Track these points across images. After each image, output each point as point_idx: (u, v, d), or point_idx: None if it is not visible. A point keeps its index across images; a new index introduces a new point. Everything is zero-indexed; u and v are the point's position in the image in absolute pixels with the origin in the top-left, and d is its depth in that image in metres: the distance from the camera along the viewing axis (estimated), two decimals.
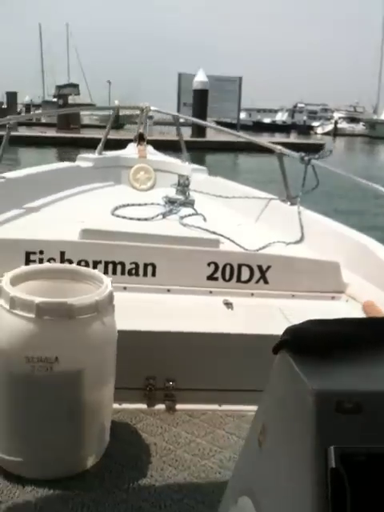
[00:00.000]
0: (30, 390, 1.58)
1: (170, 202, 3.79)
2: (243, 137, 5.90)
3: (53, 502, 1.58)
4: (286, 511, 0.83)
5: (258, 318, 2.36)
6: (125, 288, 2.45)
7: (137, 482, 1.68)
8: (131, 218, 3.37)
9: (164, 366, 2.09)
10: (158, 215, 3.51)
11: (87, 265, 2.43)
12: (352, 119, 62.29)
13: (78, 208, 3.66)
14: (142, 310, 2.31)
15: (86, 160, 4.73)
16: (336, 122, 58.70)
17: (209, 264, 2.58)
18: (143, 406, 2.08)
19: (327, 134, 56.06)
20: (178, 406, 2.10)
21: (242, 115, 60.67)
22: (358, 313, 2.35)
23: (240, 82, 29.49)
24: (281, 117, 65.48)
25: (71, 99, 33.98)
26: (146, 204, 3.77)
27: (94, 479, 1.68)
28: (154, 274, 2.55)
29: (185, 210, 3.69)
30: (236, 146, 20.90)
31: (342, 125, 59.66)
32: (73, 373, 1.58)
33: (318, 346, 0.88)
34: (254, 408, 0.98)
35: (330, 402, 0.77)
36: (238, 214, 3.86)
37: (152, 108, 4.93)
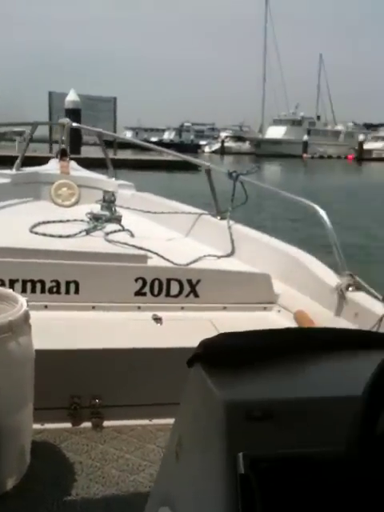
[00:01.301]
0: None
1: (95, 218, 3.80)
2: (172, 154, 5.81)
3: None
4: None
5: (189, 331, 2.43)
6: (45, 306, 2.49)
7: (61, 501, 1.73)
8: (52, 235, 3.33)
9: (89, 384, 2.14)
10: (81, 232, 3.50)
11: (3, 284, 2.44)
12: (239, 138, 65.93)
13: None
14: (65, 328, 2.35)
15: (1, 176, 4.62)
16: (223, 141, 61.79)
17: (136, 280, 2.64)
18: (68, 425, 2.12)
19: (215, 152, 58.78)
20: (106, 423, 2.14)
21: (129, 134, 61.77)
22: (289, 322, 2.53)
23: (115, 101, 30.13)
24: (168, 136, 67.35)
25: None
26: (68, 221, 3.76)
27: (15, 500, 1.70)
28: (77, 292, 2.58)
29: (110, 227, 3.70)
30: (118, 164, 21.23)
31: (229, 143, 63.16)
32: None
33: (230, 358, 0.95)
34: None
35: (239, 411, 0.84)
36: (168, 229, 3.94)
37: (73, 124, 5.08)
